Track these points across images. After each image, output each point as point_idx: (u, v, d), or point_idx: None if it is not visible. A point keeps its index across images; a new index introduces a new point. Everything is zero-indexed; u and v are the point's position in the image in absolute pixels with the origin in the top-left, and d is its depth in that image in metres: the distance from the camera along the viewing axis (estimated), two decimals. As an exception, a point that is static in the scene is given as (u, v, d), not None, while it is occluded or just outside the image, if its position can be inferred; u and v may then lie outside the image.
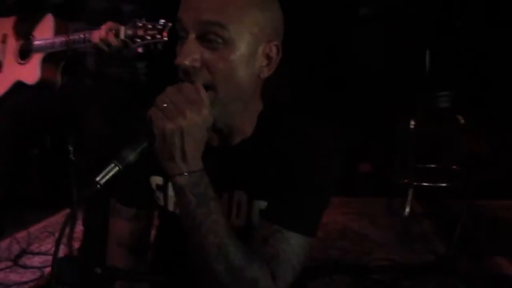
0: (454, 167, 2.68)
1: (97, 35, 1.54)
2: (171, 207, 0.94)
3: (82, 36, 1.62)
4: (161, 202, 0.96)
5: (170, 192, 0.92)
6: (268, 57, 0.84)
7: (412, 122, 2.36)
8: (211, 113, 0.78)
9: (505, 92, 3.49)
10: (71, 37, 1.66)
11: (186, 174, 0.76)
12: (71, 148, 2.11)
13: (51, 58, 1.76)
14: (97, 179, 0.74)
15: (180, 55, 0.79)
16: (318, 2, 4.00)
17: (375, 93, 3.48)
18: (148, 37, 1.47)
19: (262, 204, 0.88)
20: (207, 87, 0.80)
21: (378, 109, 3.25)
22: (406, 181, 2.42)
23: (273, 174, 0.86)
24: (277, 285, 0.80)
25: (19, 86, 1.82)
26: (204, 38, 0.78)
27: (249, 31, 0.80)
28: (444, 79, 3.13)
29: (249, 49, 0.80)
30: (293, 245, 0.82)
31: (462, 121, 2.37)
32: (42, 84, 1.76)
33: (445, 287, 1.87)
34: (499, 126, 3.32)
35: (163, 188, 0.94)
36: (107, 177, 0.74)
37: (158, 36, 1.46)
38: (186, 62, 0.78)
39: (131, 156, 0.75)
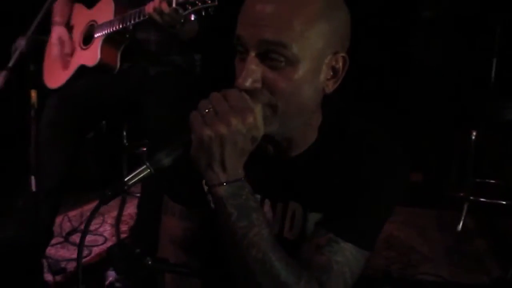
0: (516, 184, 2.53)
1: (151, 5, 1.57)
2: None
3: (137, 10, 1.66)
4: (213, 204, 0.95)
5: None
6: (334, 69, 0.79)
7: (474, 133, 2.23)
8: (261, 126, 0.74)
9: None
10: (128, 13, 1.70)
11: (225, 184, 0.73)
12: (125, 133, 2.17)
13: (111, 41, 1.81)
14: (126, 179, 0.73)
15: (240, 76, 0.75)
16: (377, 5, 3.89)
17: (434, 100, 3.35)
18: (199, 3, 1.48)
19: (318, 217, 0.84)
20: (266, 104, 0.76)
21: (436, 117, 3.12)
22: (461, 194, 2.30)
23: (333, 185, 0.82)
24: None
25: (82, 70, 1.88)
26: (265, 57, 0.74)
27: (315, 46, 0.75)
28: (509, 90, 2.95)
29: (313, 65, 0.76)
30: (349, 257, 0.77)
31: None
32: (101, 66, 1.81)
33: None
34: None
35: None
36: (136, 178, 0.73)
37: (209, 1, 1.47)
38: (247, 84, 0.75)
39: (165, 161, 0.73)
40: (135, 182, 0.73)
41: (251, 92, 0.75)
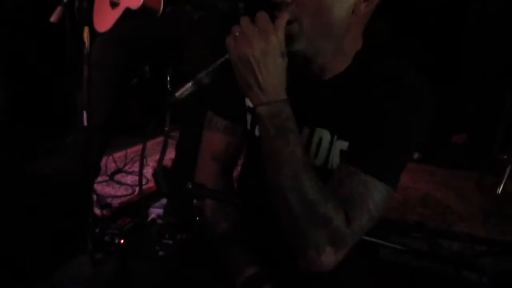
0: None
1: None
2: (257, 132, 0.95)
3: None
4: (248, 126, 0.99)
5: None
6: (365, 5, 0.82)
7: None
8: (282, 41, 0.79)
9: None
10: None
11: (265, 103, 0.78)
12: (169, 78, 2.23)
13: None
14: (175, 94, 0.83)
15: None
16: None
17: (483, 60, 3.20)
18: None
19: (344, 144, 0.87)
20: (294, 20, 0.81)
21: (486, 78, 2.99)
22: (505, 157, 2.24)
23: (361, 115, 0.84)
24: (351, 227, 0.77)
25: (126, 14, 1.92)
26: None
27: None
28: None
29: None
30: (371, 189, 0.79)
31: None
32: (145, 9, 1.84)
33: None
34: None
35: (252, 111, 0.94)
36: (182, 94, 0.83)
37: None
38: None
39: (206, 79, 0.82)
40: (182, 98, 0.84)
41: (280, 8, 0.81)
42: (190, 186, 0.88)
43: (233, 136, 1.02)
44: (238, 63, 0.78)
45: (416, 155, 2.92)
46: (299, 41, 0.82)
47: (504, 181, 2.23)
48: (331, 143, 0.89)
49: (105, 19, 2.00)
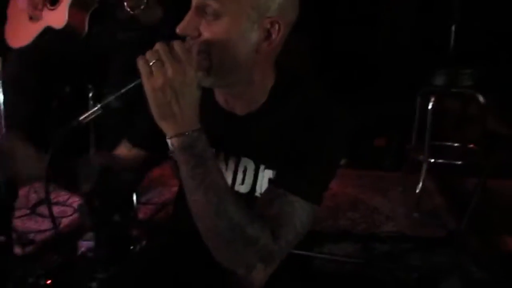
0: (471, 145, 2.67)
1: None
2: None
3: None
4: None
5: None
6: (268, 33, 0.86)
7: (432, 99, 2.33)
8: (199, 75, 0.80)
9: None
10: None
11: (182, 134, 0.78)
12: (91, 102, 2.14)
13: (79, 3, 1.77)
14: (80, 118, 0.84)
15: (180, 24, 0.84)
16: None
17: (397, 67, 3.43)
18: None
19: (270, 173, 0.91)
20: (203, 52, 0.83)
21: (398, 83, 3.21)
22: (421, 157, 2.41)
23: (283, 143, 0.88)
24: (278, 244, 0.81)
25: (48, 32, 1.83)
26: (203, 10, 0.83)
27: (250, 5, 0.82)
28: (467, 57, 3.06)
29: (246, 23, 0.83)
30: (297, 209, 0.83)
31: (482, 100, 2.34)
32: (69, 29, 1.77)
33: (453, 262, 1.89)
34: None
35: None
36: (89, 118, 0.83)
37: None
38: (185, 32, 0.84)
39: (115, 104, 0.83)
40: (87, 121, 0.84)
41: (189, 41, 0.83)
42: (118, 219, 0.86)
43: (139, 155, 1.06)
44: (153, 91, 0.77)
45: (342, 161, 3.07)
46: (209, 76, 0.85)
47: (422, 179, 2.39)
48: (256, 172, 0.93)
49: (21, 33, 1.88)
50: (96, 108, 0.83)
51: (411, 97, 2.65)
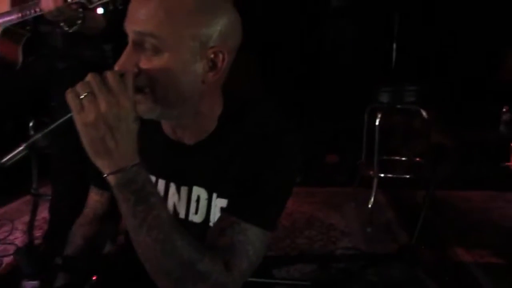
0: (418, 159, 2.77)
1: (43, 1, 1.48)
2: None
3: (35, 1, 1.56)
4: None
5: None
6: (213, 62, 0.84)
7: (378, 115, 2.41)
8: (137, 107, 0.77)
9: (466, 87, 3.62)
10: (26, 4, 1.60)
11: (119, 171, 0.74)
12: (32, 133, 2.04)
13: (10, 33, 1.69)
14: (3, 160, 0.76)
15: (118, 61, 0.80)
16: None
17: (345, 85, 3.55)
18: None
19: (223, 202, 0.89)
20: (145, 88, 0.80)
21: (347, 101, 3.31)
22: (371, 172, 2.48)
23: (233, 171, 0.87)
24: (232, 276, 0.79)
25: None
26: (141, 46, 0.80)
27: (190, 38, 0.80)
28: (410, 74, 3.21)
29: (187, 56, 0.81)
30: (250, 237, 0.81)
31: (425, 115, 2.45)
32: (2, 61, 1.69)
33: (407, 276, 1.93)
34: (461, 120, 3.46)
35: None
36: (14, 159, 0.76)
37: None
38: (122, 69, 0.79)
39: (43, 142, 0.78)
40: (13, 162, 0.77)
41: (128, 76, 0.78)
42: (60, 262, 0.81)
43: (110, 201, 0.98)
44: (84, 127, 0.72)
45: (297, 179, 3.10)
46: (155, 110, 0.82)
47: (373, 194, 2.45)
48: (209, 201, 0.91)
49: None
50: (21, 148, 0.76)
51: (359, 115, 2.74)
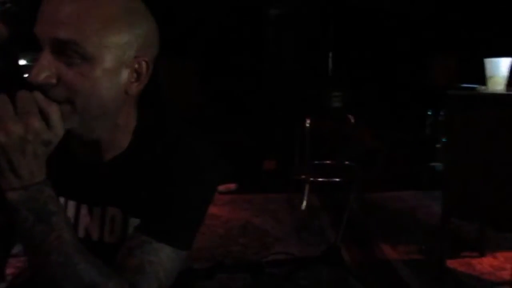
0: (347, 162, 2.86)
1: None
2: None
3: None
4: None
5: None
6: (137, 72, 0.80)
7: (308, 121, 2.47)
8: (57, 126, 0.72)
9: (394, 92, 3.80)
10: None
11: (19, 188, 0.70)
12: None
13: None
14: None
15: (33, 71, 0.72)
16: (228, 4, 4.05)
17: (281, 92, 3.61)
18: None
19: (137, 222, 0.84)
20: (65, 101, 0.74)
21: (285, 108, 3.37)
22: (303, 176, 2.53)
23: (148, 190, 0.83)
24: None
25: None
26: (61, 53, 0.73)
27: (113, 46, 0.76)
28: (343, 81, 3.32)
29: (111, 65, 0.76)
30: (162, 257, 0.78)
31: (352, 120, 2.53)
32: None
33: (335, 277, 1.99)
34: (388, 124, 3.62)
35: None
36: None
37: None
38: (39, 80, 0.72)
39: None
40: None
41: (46, 89, 0.73)
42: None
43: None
44: None
45: (233, 187, 3.12)
46: (72, 122, 0.76)
47: (306, 198, 2.50)
48: (125, 221, 0.86)
49: None
50: None
51: (292, 121, 2.79)
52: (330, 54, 3.66)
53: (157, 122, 0.89)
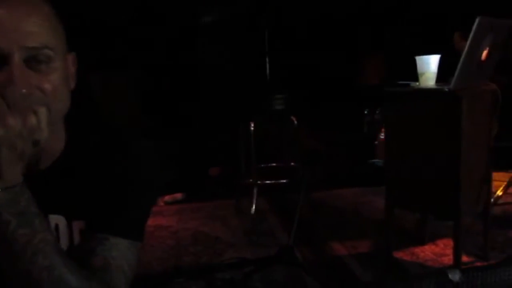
0: (292, 163, 2.92)
1: None
2: None
3: None
4: None
5: None
6: (71, 70, 0.82)
7: (252, 124, 2.49)
8: (45, 128, 0.72)
9: (331, 93, 3.94)
10: None
11: (0, 190, 0.68)
12: None
13: None
14: None
15: (12, 83, 0.71)
16: (160, 12, 4.00)
17: (219, 98, 3.61)
18: None
19: (81, 224, 0.85)
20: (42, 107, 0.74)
21: (226, 114, 3.37)
22: (250, 180, 2.54)
23: (90, 190, 0.83)
24: None
25: None
26: (35, 60, 0.74)
27: (61, 46, 0.78)
28: (279, 83, 3.39)
29: (63, 64, 0.78)
30: (123, 250, 0.80)
31: (295, 122, 2.59)
32: None
33: (289, 276, 2.00)
34: (328, 124, 3.74)
35: None
36: None
37: None
38: (25, 91, 0.71)
39: None
40: None
41: (27, 98, 0.72)
42: None
43: None
44: None
45: (180, 196, 3.06)
46: (45, 128, 0.73)
47: (254, 202, 2.51)
48: (69, 226, 0.85)
49: None
50: None
51: (232, 126, 2.80)
52: (267, 58, 3.71)
53: (89, 123, 0.90)
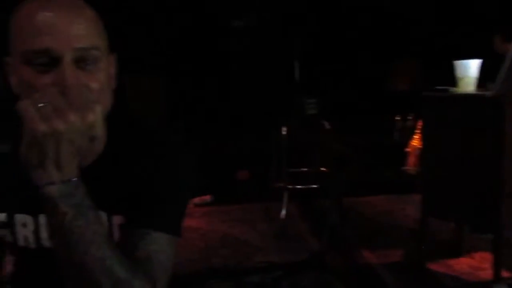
0: (323, 169, 2.88)
1: None
2: (21, 241, 0.87)
3: None
4: (9, 238, 0.88)
5: (18, 227, 0.87)
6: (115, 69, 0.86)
7: (284, 129, 2.48)
8: (101, 125, 0.75)
9: (362, 99, 3.88)
10: None
11: (59, 183, 0.71)
12: None
13: None
14: None
15: (65, 82, 0.74)
16: (189, 15, 4.05)
17: (251, 103, 3.61)
18: None
19: (119, 219, 0.87)
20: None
21: (256, 118, 3.37)
22: (281, 185, 2.52)
23: (131, 185, 0.85)
24: None
25: None
26: (83, 61, 0.77)
27: (105, 47, 0.81)
28: (311, 88, 3.36)
29: (107, 65, 0.82)
30: (163, 245, 0.82)
31: (328, 127, 2.56)
32: None
33: (320, 282, 1.97)
34: (360, 130, 3.69)
35: (7, 225, 0.87)
36: None
37: None
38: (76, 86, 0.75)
39: None
40: None
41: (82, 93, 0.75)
42: None
43: None
44: (36, 138, 0.69)
45: (209, 198, 3.07)
46: (101, 125, 0.76)
47: (284, 206, 2.49)
48: (109, 221, 0.87)
49: None
50: None
51: (267, 131, 2.79)
52: (296, 63, 3.69)
53: (126, 123, 0.92)
